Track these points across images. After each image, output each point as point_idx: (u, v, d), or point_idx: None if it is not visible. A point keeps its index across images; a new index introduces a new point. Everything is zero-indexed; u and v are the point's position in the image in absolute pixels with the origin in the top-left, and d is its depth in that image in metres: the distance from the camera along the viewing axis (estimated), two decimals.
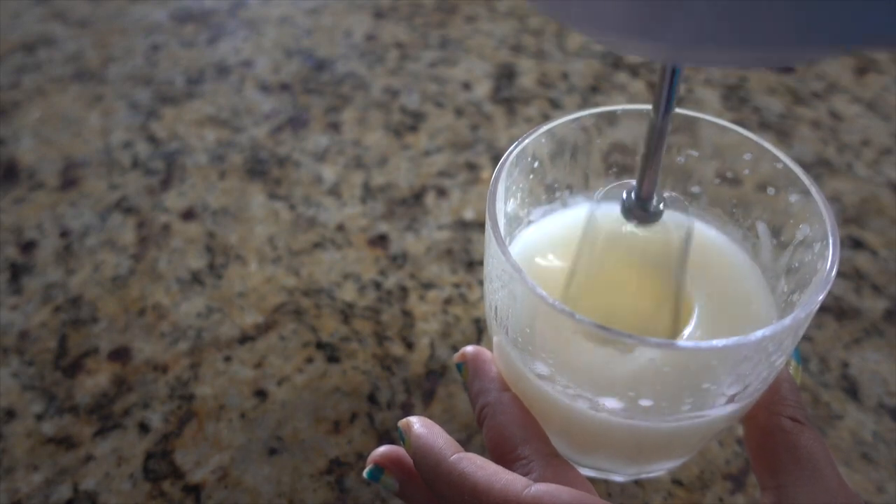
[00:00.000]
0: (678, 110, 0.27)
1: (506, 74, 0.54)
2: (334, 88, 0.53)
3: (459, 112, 0.50)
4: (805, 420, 0.24)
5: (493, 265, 0.24)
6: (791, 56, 0.16)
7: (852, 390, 0.35)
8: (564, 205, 0.30)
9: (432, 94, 0.52)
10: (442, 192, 0.45)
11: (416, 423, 0.25)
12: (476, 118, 0.50)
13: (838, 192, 0.44)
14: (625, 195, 0.24)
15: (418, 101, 0.51)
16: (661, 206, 0.24)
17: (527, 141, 0.26)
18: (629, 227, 0.24)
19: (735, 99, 0.51)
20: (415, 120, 0.50)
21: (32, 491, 0.31)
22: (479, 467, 0.22)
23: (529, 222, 0.29)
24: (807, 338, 0.37)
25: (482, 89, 0.52)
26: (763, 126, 0.49)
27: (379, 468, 0.26)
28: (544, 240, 0.29)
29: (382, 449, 0.26)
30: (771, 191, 0.26)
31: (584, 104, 0.50)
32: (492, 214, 0.24)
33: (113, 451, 0.33)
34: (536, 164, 0.27)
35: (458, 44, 0.57)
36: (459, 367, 0.28)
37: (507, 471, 0.22)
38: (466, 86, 0.53)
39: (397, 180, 0.45)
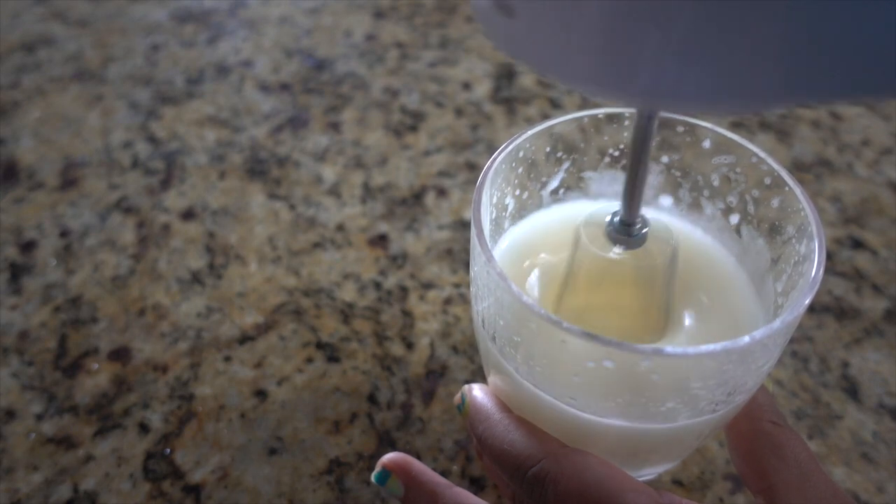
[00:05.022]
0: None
1: (506, 74, 0.54)
2: (334, 88, 0.53)
3: (459, 112, 0.50)
4: (783, 423, 0.25)
5: (478, 273, 0.24)
6: (763, 107, 0.16)
7: (852, 390, 0.35)
8: (556, 202, 0.30)
9: (432, 94, 0.52)
10: (442, 192, 0.45)
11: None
12: (476, 118, 0.50)
13: (838, 192, 0.44)
14: (608, 219, 0.24)
15: (418, 101, 0.51)
16: (645, 230, 0.24)
17: (509, 148, 0.26)
18: (615, 251, 0.24)
19: None
20: (415, 120, 0.50)
21: (32, 491, 0.31)
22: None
23: (518, 220, 0.29)
24: (807, 338, 0.37)
25: (482, 89, 0.52)
26: (763, 126, 0.49)
27: (387, 472, 0.26)
28: (532, 238, 0.29)
29: (392, 454, 0.26)
30: (755, 193, 0.26)
31: (585, 104, 0.50)
32: (477, 222, 0.24)
33: (113, 451, 0.33)
34: (521, 170, 0.28)
35: (458, 44, 0.57)
36: (460, 407, 0.28)
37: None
38: (466, 86, 0.53)
39: (397, 180, 0.45)
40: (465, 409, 0.26)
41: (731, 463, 0.32)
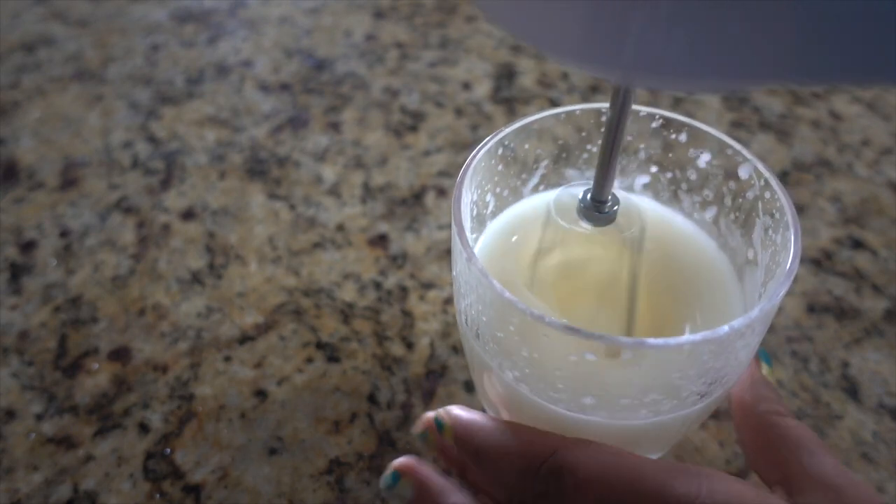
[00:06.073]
0: (635, 107, 0.27)
1: (506, 74, 0.54)
2: (334, 88, 0.53)
3: (459, 112, 0.50)
4: (787, 412, 0.25)
5: (460, 271, 0.24)
6: (745, 85, 0.17)
7: (852, 390, 0.35)
8: (532, 194, 0.31)
9: (432, 94, 0.52)
10: (442, 192, 0.45)
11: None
12: (476, 118, 0.50)
13: (838, 192, 0.44)
14: (580, 196, 0.25)
15: (418, 101, 0.51)
16: (616, 208, 0.25)
17: (489, 145, 0.27)
18: (585, 227, 0.25)
19: (735, 99, 0.51)
20: (415, 120, 0.50)
21: (32, 491, 0.31)
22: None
23: (498, 214, 0.30)
24: (807, 338, 0.37)
25: (482, 89, 0.52)
26: (763, 126, 0.49)
27: (397, 475, 0.26)
28: (512, 231, 0.29)
29: (402, 458, 0.26)
30: (731, 185, 0.27)
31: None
32: (457, 220, 0.24)
33: (113, 451, 0.33)
34: (500, 167, 0.28)
35: (458, 44, 0.57)
36: (424, 436, 0.26)
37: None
38: (466, 86, 0.53)
39: (397, 180, 0.45)
40: (446, 431, 0.25)
41: (731, 463, 0.32)
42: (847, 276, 0.40)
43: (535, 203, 0.30)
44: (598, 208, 0.24)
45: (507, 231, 0.29)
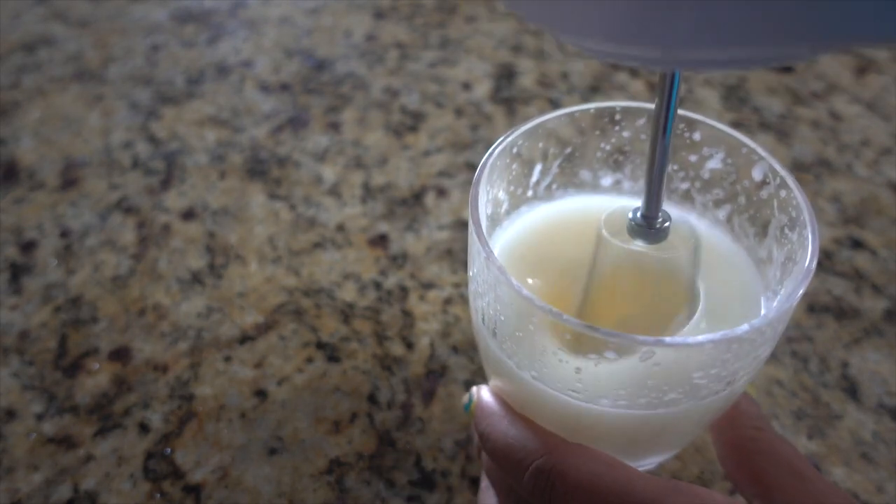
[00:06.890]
0: (645, 105, 0.27)
1: (506, 74, 0.54)
2: (334, 88, 0.53)
3: (459, 112, 0.50)
4: (766, 427, 0.25)
5: (478, 269, 0.24)
6: (790, 54, 0.16)
7: (852, 390, 0.35)
8: (550, 197, 0.30)
9: (432, 94, 0.52)
10: (442, 192, 0.45)
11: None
12: (476, 118, 0.50)
13: (838, 192, 0.44)
14: (631, 215, 0.24)
15: (418, 101, 0.51)
16: (667, 224, 0.24)
17: (504, 144, 0.26)
18: (637, 246, 0.24)
19: (735, 99, 0.51)
20: (415, 120, 0.50)
21: (32, 491, 0.31)
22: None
23: (514, 215, 0.30)
24: (807, 338, 0.37)
25: (482, 89, 0.52)
26: (763, 126, 0.49)
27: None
28: (529, 232, 0.29)
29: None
30: (746, 183, 0.27)
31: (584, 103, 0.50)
32: (475, 218, 0.24)
33: (113, 451, 0.33)
34: (515, 166, 0.28)
35: (458, 44, 0.57)
36: (466, 406, 0.28)
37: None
38: (466, 86, 0.53)
39: (397, 180, 0.45)
40: (471, 408, 0.27)
41: None
42: (847, 276, 0.40)
43: (556, 207, 0.30)
44: (649, 225, 0.24)
45: (526, 231, 0.29)
